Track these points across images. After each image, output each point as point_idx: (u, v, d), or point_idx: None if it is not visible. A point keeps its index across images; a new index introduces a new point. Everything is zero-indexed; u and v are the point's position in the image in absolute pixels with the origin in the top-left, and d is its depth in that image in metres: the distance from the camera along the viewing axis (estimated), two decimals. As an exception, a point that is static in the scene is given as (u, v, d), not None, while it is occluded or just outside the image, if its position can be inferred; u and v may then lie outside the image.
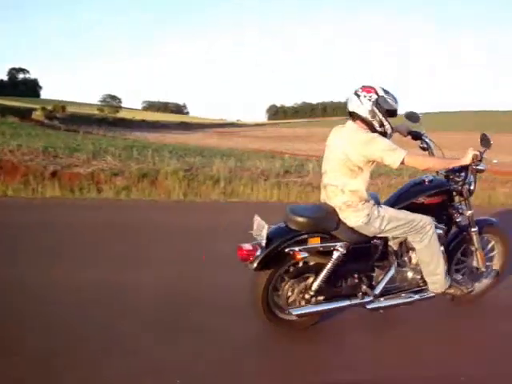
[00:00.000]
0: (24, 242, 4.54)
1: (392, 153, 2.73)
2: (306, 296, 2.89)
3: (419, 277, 3.14)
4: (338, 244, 2.86)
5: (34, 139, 12.31)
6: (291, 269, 2.92)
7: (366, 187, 2.86)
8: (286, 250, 2.78)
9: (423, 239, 2.94)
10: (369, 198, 2.89)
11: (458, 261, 3.43)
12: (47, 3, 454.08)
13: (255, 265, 2.72)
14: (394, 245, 3.08)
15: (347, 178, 2.82)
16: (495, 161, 3.50)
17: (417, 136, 3.39)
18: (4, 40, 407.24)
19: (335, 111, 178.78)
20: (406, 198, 3.14)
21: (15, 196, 6.58)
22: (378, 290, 3.03)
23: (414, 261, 3.16)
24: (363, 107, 2.82)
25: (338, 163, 2.85)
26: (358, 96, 2.85)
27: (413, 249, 3.10)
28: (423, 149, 3.39)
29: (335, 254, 2.85)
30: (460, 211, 3.30)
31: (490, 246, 3.60)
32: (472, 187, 3.24)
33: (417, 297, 3.16)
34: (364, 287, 3.01)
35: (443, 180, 3.28)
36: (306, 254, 2.82)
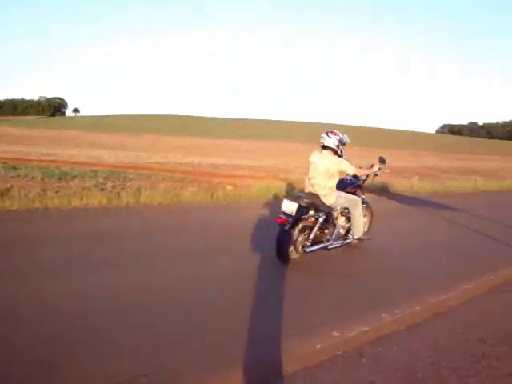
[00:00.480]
0: None
1: (350, 168, 5.56)
2: (306, 243, 5.33)
3: (344, 232, 6.04)
4: (321, 213, 5.41)
5: None
6: (296, 229, 5.21)
7: (335, 184, 5.54)
8: (302, 217, 5.21)
9: (357, 208, 5.85)
10: (335, 188, 5.56)
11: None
12: None
13: (288, 226, 5.07)
14: (336, 214, 5.77)
15: (327, 180, 5.45)
16: (387, 170, 6.66)
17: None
18: None
19: (27, 110, 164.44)
20: (343, 188, 5.88)
21: None
22: (333, 238, 5.67)
23: (341, 222, 5.98)
24: (333, 143, 5.48)
25: (323, 173, 5.44)
26: (330, 137, 5.49)
27: (345, 217, 6.03)
28: None
29: (320, 219, 5.42)
30: (358, 195, 6.16)
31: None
32: (364, 183, 6.39)
33: (343, 242, 5.94)
34: (327, 237, 5.62)
35: (355, 179, 6.22)
36: (313, 219, 5.35)
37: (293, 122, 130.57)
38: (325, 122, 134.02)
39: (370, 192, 13.79)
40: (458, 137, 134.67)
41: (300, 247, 5.30)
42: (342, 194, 5.70)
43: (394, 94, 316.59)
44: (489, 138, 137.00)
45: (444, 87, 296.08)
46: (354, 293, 4.68)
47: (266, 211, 8.76)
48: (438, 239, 7.70)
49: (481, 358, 3.35)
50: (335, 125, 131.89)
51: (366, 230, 6.39)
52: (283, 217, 5.09)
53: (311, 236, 5.34)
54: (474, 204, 12.94)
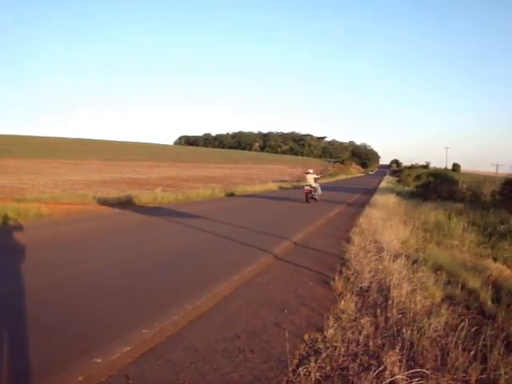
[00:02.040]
0: None
1: (317, 177, 23.33)
2: (311, 196, 20.90)
3: (315, 193, 21.22)
4: (313, 188, 21.12)
5: None
6: (309, 193, 20.82)
7: (314, 180, 21.60)
8: (310, 189, 20.89)
9: (318, 187, 21.63)
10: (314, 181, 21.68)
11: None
12: None
13: (308, 192, 20.79)
14: (315, 188, 21.31)
15: (313, 180, 21.14)
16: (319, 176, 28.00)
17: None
18: None
19: None
20: (314, 181, 21.58)
21: None
22: (315, 195, 21.13)
23: (315, 191, 21.43)
24: (311, 171, 21.67)
25: (311, 178, 21.07)
26: (310, 170, 21.99)
27: (316, 189, 21.45)
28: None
29: (313, 189, 21.10)
30: (317, 183, 22.17)
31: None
32: (318, 181, 22.69)
33: (316, 198, 20.97)
34: (315, 195, 21.13)
35: (316, 178, 22.32)
36: (313, 189, 21.01)
37: (24, 136, 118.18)
38: (60, 136, 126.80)
39: (113, 207, 13.54)
40: (194, 147, 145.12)
41: (310, 198, 20.08)
42: (316, 183, 20.69)
43: (132, 109, 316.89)
44: (221, 148, 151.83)
45: (179, 101, 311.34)
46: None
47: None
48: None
49: (238, 352, 3.61)
50: (71, 139, 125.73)
51: (320, 193, 20.84)
52: (306, 190, 20.17)
53: (312, 194, 20.17)
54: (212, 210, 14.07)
